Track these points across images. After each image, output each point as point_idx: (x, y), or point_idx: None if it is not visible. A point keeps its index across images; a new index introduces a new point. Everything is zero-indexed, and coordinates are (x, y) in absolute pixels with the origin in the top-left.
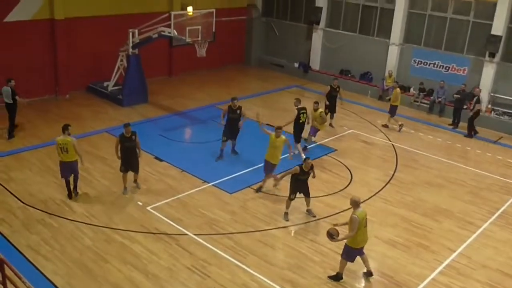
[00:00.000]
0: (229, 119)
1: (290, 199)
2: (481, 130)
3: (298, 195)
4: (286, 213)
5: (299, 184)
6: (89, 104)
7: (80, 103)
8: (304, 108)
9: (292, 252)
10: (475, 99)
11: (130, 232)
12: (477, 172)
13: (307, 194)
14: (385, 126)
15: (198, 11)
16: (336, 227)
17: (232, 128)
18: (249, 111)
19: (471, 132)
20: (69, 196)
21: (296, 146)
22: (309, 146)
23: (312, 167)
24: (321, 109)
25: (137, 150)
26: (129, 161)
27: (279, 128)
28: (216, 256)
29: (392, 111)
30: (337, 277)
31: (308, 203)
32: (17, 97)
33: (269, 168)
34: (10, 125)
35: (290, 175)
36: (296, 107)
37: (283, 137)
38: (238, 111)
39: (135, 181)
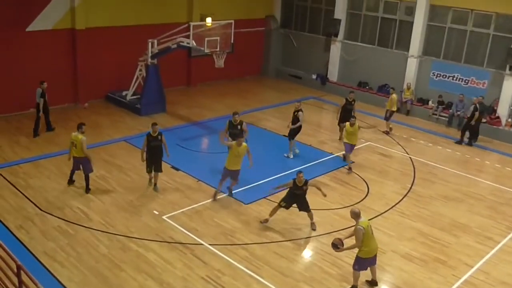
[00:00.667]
0: (230, 135)
1: (280, 205)
2: (500, 144)
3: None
4: (266, 219)
5: (295, 198)
6: (108, 113)
7: (99, 111)
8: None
9: (308, 264)
10: (472, 107)
11: (146, 241)
12: (496, 186)
13: (305, 209)
14: (386, 132)
15: (217, 22)
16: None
17: None
18: (267, 121)
19: (463, 139)
20: (69, 182)
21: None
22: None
23: (306, 183)
24: (358, 124)
25: (164, 150)
26: (153, 160)
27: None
28: (231, 267)
29: (388, 116)
30: None
31: (310, 218)
32: (41, 99)
33: (227, 174)
34: (35, 123)
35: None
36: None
37: (244, 144)
38: (239, 126)
39: (155, 184)
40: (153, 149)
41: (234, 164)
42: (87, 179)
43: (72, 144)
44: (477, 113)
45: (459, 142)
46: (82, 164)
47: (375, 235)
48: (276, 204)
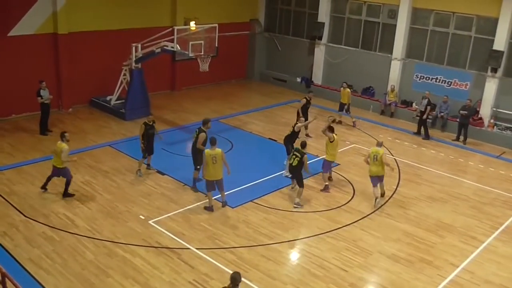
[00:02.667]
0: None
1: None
2: (483, 145)
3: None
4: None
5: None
6: (92, 118)
7: (83, 117)
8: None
9: (295, 267)
10: (425, 101)
11: (132, 246)
12: (480, 187)
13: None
14: (353, 125)
15: (201, 26)
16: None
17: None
18: (252, 125)
19: (428, 134)
20: (42, 187)
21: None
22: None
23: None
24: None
25: (159, 135)
26: (150, 145)
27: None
28: (218, 271)
29: (340, 107)
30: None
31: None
32: (38, 98)
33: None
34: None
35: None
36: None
37: (219, 150)
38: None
39: (149, 164)
40: (150, 136)
41: (214, 175)
42: (67, 184)
43: (54, 152)
44: (429, 107)
45: (427, 137)
46: (61, 174)
47: (362, 236)
48: None
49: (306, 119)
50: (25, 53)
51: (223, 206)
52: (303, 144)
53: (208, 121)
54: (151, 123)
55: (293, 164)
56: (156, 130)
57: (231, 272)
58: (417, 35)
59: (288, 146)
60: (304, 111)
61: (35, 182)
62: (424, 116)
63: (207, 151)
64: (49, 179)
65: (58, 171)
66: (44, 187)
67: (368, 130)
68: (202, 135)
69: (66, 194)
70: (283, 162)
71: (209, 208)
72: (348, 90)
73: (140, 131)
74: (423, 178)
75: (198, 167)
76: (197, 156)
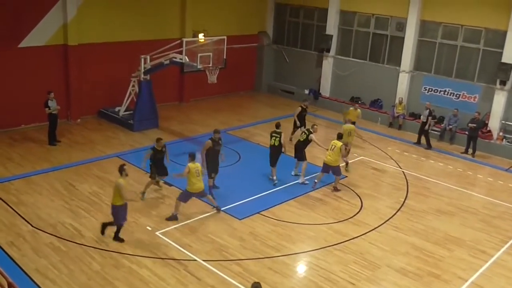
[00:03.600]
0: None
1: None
2: (492, 157)
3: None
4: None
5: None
6: (101, 128)
7: (92, 127)
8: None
9: (302, 279)
10: (427, 111)
11: (139, 257)
12: (489, 200)
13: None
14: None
15: (210, 38)
16: None
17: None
18: (260, 136)
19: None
20: (102, 232)
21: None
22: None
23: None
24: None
25: (165, 158)
26: (159, 170)
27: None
28: (225, 283)
29: None
30: None
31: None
32: (45, 109)
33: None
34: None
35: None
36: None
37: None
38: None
39: (158, 182)
40: (158, 161)
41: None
42: (118, 229)
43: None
44: (430, 118)
45: (430, 147)
46: (116, 212)
47: (370, 249)
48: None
49: (304, 127)
50: (35, 64)
51: (218, 212)
52: (278, 125)
53: (217, 131)
54: (160, 149)
55: (275, 144)
56: (167, 154)
57: (237, 284)
58: (425, 47)
59: (301, 152)
60: (300, 119)
61: (43, 192)
62: (426, 127)
63: (190, 164)
64: (109, 223)
65: (115, 210)
66: (103, 230)
67: (376, 143)
68: (208, 142)
69: (117, 238)
70: (291, 173)
71: (173, 217)
72: (359, 111)
73: (146, 156)
74: (431, 191)
75: (213, 174)
76: (210, 164)
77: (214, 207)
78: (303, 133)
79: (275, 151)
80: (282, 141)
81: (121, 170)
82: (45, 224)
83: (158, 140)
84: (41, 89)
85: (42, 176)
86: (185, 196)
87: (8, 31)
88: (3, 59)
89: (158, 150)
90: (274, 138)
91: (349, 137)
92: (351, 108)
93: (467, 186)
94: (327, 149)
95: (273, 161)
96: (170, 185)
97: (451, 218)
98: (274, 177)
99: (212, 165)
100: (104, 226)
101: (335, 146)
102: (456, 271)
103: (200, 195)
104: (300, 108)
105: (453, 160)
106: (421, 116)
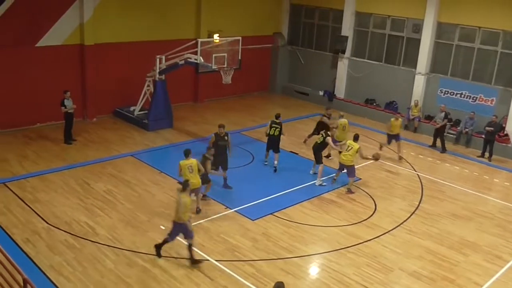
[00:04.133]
0: (219, 147)
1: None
2: (509, 162)
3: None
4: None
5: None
6: (116, 128)
7: (107, 126)
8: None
9: (315, 281)
10: (442, 114)
11: (152, 256)
12: (505, 204)
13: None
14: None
15: (225, 38)
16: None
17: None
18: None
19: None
20: (158, 255)
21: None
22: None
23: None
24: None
25: (228, 149)
26: (220, 159)
27: None
28: (237, 283)
29: (389, 140)
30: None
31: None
32: (62, 108)
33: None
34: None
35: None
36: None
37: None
38: (226, 137)
39: (225, 179)
40: (220, 147)
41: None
42: (190, 248)
43: (178, 204)
44: (446, 121)
45: (444, 150)
46: (182, 230)
47: (383, 252)
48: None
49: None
50: (52, 64)
51: (197, 213)
52: (277, 116)
53: (221, 126)
54: (222, 135)
55: (275, 134)
56: (229, 143)
57: (250, 285)
58: (442, 49)
59: (317, 154)
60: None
61: (58, 190)
62: (441, 130)
63: (180, 162)
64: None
65: (179, 227)
66: (158, 252)
67: (391, 145)
68: (212, 136)
69: (193, 260)
70: (309, 172)
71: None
72: (400, 120)
73: (210, 142)
74: (446, 194)
75: (221, 169)
76: (215, 158)
77: (197, 207)
78: (274, 128)
79: (274, 141)
80: (282, 132)
81: (186, 185)
82: (60, 222)
83: (220, 126)
84: (57, 88)
85: (57, 174)
86: None
87: (25, 30)
88: (20, 58)
89: (220, 136)
90: (274, 128)
91: (343, 132)
92: (392, 119)
93: (483, 190)
94: (343, 151)
95: (270, 148)
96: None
97: (466, 222)
98: (266, 159)
99: (217, 159)
100: (159, 248)
101: (351, 147)
102: (471, 276)
103: (196, 191)
104: (326, 119)
105: (469, 164)
106: (436, 119)
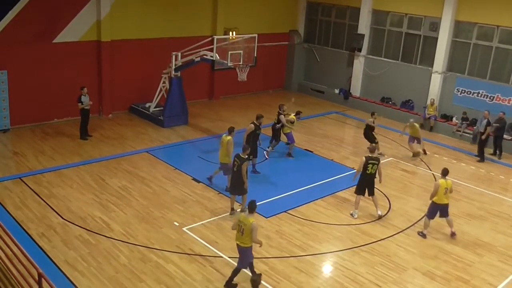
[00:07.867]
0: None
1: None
2: None
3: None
4: None
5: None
6: (131, 124)
7: (123, 123)
8: (375, 158)
9: (328, 280)
10: (485, 121)
11: (166, 252)
12: None
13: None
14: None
15: (241, 36)
16: None
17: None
18: None
19: (483, 156)
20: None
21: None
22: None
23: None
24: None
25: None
26: (255, 148)
27: None
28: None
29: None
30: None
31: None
32: (78, 104)
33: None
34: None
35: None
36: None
37: None
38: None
39: (254, 165)
40: (257, 136)
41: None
42: (236, 272)
43: (238, 227)
44: (488, 128)
45: (482, 160)
46: (242, 254)
47: (397, 252)
48: None
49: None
50: (69, 60)
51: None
52: (280, 106)
53: (261, 116)
54: (260, 125)
55: (372, 172)
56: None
57: (263, 282)
58: (459, 48)
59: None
60: (369, 136)
61: (73, 185)
62: (483, 137)
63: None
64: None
65: (245, 251)
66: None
67: (407, 144)
68: (251, 126)
69: (229, 285)
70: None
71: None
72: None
73: (247, 132)
74: (462, 194)
75: (251, 157)
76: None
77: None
78: (371, 165)
79: (370, 179)
80: (281, 119)
81: (253, 206)
82: (75, 217)
83: (259, 117)
84: (74, 84)
85: (73, 169)
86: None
87: (43, 27)
88: (37, 54)
89: (257, 125)
90: (371, 166)
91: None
92: (415, 124)
93: (499, 191)
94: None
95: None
96: (198, 181)
97: (482, 222)
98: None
99: (252, 148)
100: (231, 280)
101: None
102: (485, 276)
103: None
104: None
105: (485, 164)
106: (454, 119)
